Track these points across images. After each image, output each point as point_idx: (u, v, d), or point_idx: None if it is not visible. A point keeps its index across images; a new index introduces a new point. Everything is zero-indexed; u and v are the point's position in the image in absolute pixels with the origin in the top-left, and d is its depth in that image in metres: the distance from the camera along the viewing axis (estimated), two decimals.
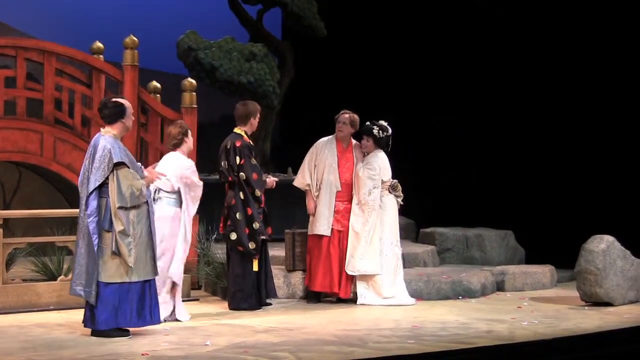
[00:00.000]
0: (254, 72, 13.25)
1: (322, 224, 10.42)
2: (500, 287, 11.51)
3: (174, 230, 9.23)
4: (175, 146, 9.48)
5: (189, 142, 9.52)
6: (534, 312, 9.92)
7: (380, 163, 10.49)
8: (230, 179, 9.92)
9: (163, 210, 9.19)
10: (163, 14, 15.80)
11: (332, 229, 10.43)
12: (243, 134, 10.03)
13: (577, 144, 13.70)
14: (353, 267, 10.37)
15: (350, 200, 10.49)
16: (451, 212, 14.07)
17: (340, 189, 10.49)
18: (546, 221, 13.64)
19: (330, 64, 15.28)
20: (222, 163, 9.93)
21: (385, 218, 10.46)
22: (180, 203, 9.30)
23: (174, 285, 9.24)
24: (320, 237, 10.44)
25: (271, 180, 10.18)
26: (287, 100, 14.28)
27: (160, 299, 8.84)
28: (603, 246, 10.37)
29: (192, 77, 12.29)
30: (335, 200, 10.47)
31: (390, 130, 10.61)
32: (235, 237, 9.85)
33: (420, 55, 14.91)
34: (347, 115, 10.59)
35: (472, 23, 14.57)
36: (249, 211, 9.86)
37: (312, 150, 10.62)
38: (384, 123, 10.61)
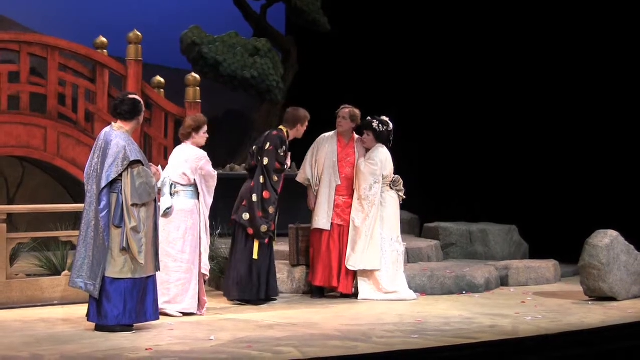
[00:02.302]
0: (258, 67, 13.25)
1: (321, 218, 10.43)
2: (504, 282, 11.50)
3: (195, 223, 9.33)
4: (184, 137, 9.52)
5: (198, 138, 9.49)
6: (537, 307, 9.91)
7: (381, 157, 10.46)
8: (253, 162, 9.98)
9: (182, 203, 9.29)
10: (167, 9, 15.83)
11: (332, 224, 10.43)
12: (285, 131, 10.13)
13: (580, 139, 13.68)
14: (354, 262, 10.36)
15: (350, 195, 10.48)
16: (455, 207, 14.07)
17: (339, 183, 10.49)
18: (550, 216, 13.63)
19: (334, 59, 15.27)
20: (254, 147, 10.06)
21: (385, 214, 10.43)
22: (197, 195, 9.38)
23: (199, 278, 9.37)
24: (321, 231, 10.44)
25: None
26: (290, 95, 14.27)
27: (191, 292, 9.19)
28: (607, 241, 10.35)
29: (195, 72, 12.30)
30: (335, 195, 10.47)
31: (391, 125, 10.58)
32: (248, 217, 9.85)
33: (424, 50, 14.89)
34: (347, 110, 10.58)
35: (476, 21, 14.56)
36: (266, 194, 9.88)
37: (314, 145, 10.65)
38: (384, 118, 10.58)
